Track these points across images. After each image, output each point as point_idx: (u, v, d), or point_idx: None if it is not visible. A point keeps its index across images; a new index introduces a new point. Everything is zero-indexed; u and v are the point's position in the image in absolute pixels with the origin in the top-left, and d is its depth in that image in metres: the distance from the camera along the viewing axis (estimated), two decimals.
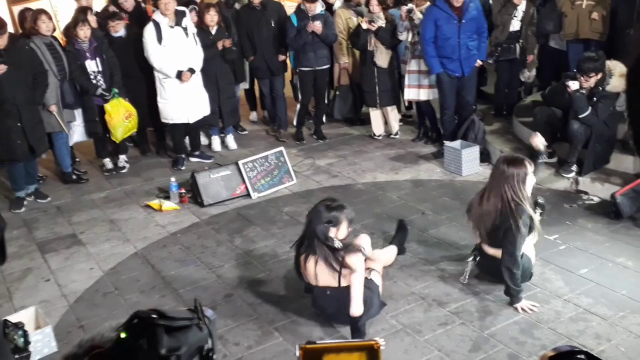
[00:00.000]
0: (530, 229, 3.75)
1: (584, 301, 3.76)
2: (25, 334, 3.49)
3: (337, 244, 3.56)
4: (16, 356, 3.47)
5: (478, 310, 3.76)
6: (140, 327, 1.20)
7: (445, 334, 3.56)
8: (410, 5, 6.24)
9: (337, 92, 7.42)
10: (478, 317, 3.69)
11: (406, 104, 6.79)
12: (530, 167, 3.77)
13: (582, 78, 5.14)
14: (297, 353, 1.33)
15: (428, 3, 6.35)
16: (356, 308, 3.45)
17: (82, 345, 1.27)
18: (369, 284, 3.61)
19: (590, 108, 5.15)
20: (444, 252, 4.47)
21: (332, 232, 3.56)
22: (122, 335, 1.20)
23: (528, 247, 3.90)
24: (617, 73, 5.18)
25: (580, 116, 5.18)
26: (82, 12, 6.32)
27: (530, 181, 3.78)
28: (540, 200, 4.09)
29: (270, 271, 4.41)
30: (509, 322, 3.62)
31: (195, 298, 1.37)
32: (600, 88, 5.17)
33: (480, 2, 6.26)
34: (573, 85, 5.13)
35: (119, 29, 6.48)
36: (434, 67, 6.17)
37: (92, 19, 6.39)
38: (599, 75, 5.13)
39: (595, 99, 5.17)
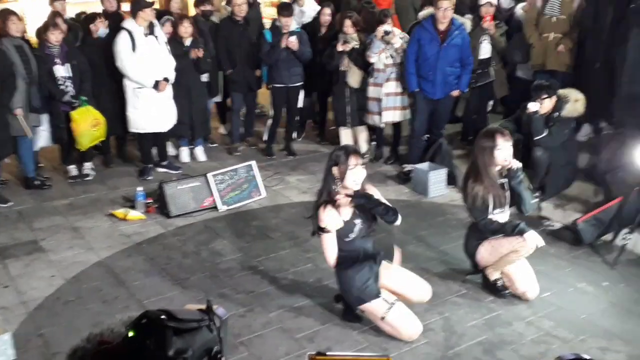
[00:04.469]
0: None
1: (545, 324, 3.84)
2: None
3: (334, 187, 3.63)
4: None
5: (443, 329, 3.80)
6: (148, 328, 1.19)
7: (411, 352, 3.58)
8: (387, 27, 6.34)
9: None
10: (443, 337, 3.72)
11: (383, 125, 6.85)
12: (500, 140, 3.95)
13: (537, 102, 5.34)
14: None
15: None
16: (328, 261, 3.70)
17: (90, 339, 1.25)
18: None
19: (546, 131, 5.33)
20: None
21: (335, 171, 3.62)
22: (130, 333, 1.19)
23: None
24: (572, 99, 5.40)
25: (536, 138, 5.36)
26: (55, 16, 6.26)
27: (500, 154, 3.96)
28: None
29: (237, 285, 4.38)
30: (472, 342, 3.67)
31: (208, 299, 1.36)
32: (557, 114, 5.37)
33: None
34: (532, 106, 5.31)
35: (99, 27, 6.50)
36: (411, 84, 6.31)
37: (63, 27, 6.33)
38: (553, 100, 5.33)
39: (551, 123, 5.37)
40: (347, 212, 3.67)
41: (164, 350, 1.19)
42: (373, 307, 3.67)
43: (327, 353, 1.34)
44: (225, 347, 1.31)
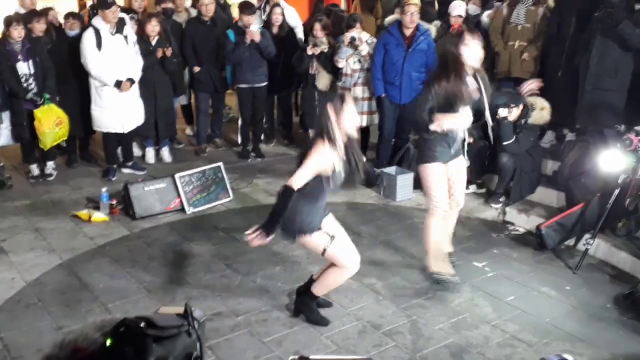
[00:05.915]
0: None
1: (510, 327, 3.90)
2: None
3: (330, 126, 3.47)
4: None
5: (411, 332, 3.83)
6: (127, 336, 1.16)
7: (379, 355, 3.59)
8: (354, 33, 6.36)
9: None
10: (411, 340, 3.75)
11: None
12: (469, 38, 4.05)
13: (505, 109, 5.44)
14: None
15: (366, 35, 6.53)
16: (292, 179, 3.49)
17: (64, 346, 1.20)
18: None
19: (514, 137, 5.43)
20: (379, 275, 4.53)
21: (331, 112, 3.48)
22: (108, 342, 1.15)
23: None
24: (538, 107, 5.52)
25: (504, 143, 5.47)
26: (36, 14, 6.25)
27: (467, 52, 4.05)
28: None
29: (204, 288, 4.34)
30: (440, 345, 3.71)
31: (186, 302, 1.34)
32: (523, 121, 5.49)
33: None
34: (502, 112, 5.41)
35: (74, 28, 6.47)
36: (378, 89, 6.36)
37: (41, 27, 6.22)
38: (520, 108, 5.44)
39: (517, 130, 5.48)
40: (338, 162, 3.54)
41: (144, 359, 1.16)
42: (314, 240, 3.64)
43: (310, 357, 1.33)
44: (204, 349, 1.30)
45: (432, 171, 4.21)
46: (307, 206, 3.61)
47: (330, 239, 3.65)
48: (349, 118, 3.53)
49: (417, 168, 4.35)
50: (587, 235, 4.82)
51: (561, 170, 5.65)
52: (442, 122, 4.07)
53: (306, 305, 3.91)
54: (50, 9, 7.08)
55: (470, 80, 4.11)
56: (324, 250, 3.64)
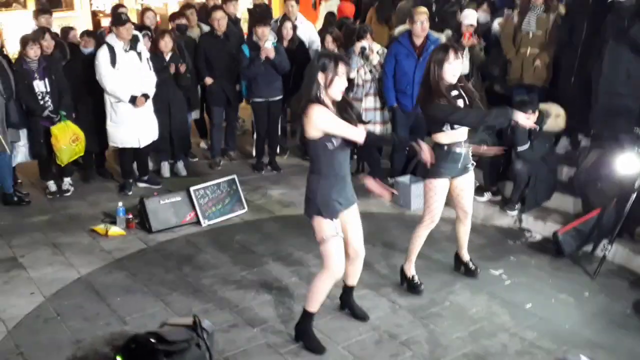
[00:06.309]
0: None
1: (529, 335, 3.86)
2: None
3: (319, 93, 3.41)
4: None
5: (428, 341, 3.81)
6: (138, 352, 1.17)
7: None
8: (364, 43, 6.40)
9: None
10: (428, 349, 3.73)
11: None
12: (452, 55, 4.01)
13: None
14: None
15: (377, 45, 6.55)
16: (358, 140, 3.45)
17: None
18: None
19: (529, 142, 5.41)
20: (395, 284, 4.51)
21: (321, 78, 3.41)
22: (119, 359, 1.16)
23: None
24: (553, 114, 5.50)
25: (519, 148, 5.45)
26: (43, 32, 6.28)
27: (449, 69, 4.03)
28: None
29: (220, 300, 4.35)
30: (458, 354, 3.68)
31: (195, 314, 1.34)
32: (538, 128, 5.46)
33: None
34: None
35: (89, 45, 6.61)
36: (390, 99, 6.38)
37: (48, 44, 6.29)
38: (535, 115, 5.42)
39: (532, 137, 5.46)
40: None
41: None
42: (323, 225, 3.54)
43: None
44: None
45: (436, 186, 4.22)
46: (323, 186, 3.53)
47: (336, 234, 3.55)
48: (338, 86, 3.45)
49: (424, 180, 4.34)
50: (605, 241, 4.78)
51: (577, 176, 5.60)
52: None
53: (304, 330, 3.77)
54: (72, 28, 7.24)
55: (454, 94, 4.10)
56: (323, 239, 3.54)
